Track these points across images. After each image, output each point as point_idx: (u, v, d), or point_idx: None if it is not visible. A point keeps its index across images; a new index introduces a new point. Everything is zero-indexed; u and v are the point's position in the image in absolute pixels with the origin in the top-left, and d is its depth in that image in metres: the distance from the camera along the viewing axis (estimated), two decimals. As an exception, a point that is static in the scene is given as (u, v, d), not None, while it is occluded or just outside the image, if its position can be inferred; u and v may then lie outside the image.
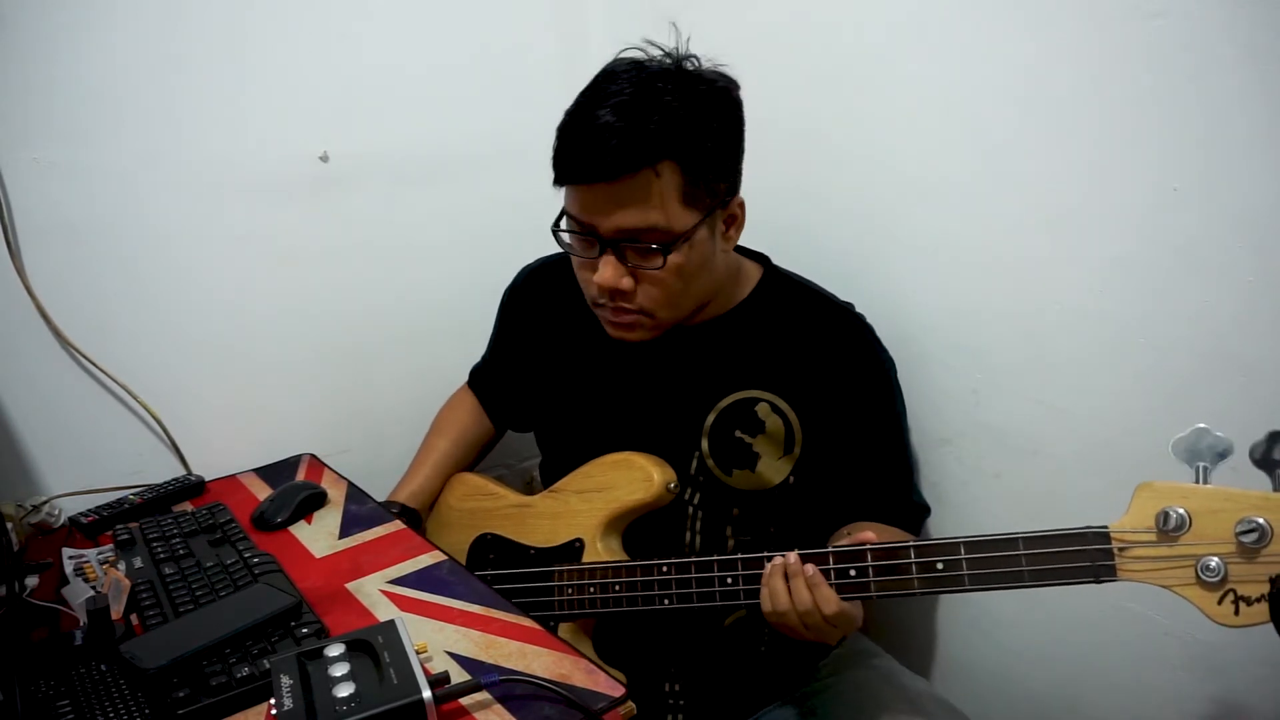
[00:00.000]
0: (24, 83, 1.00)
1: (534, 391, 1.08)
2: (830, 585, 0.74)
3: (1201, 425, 0.62)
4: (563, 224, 0.88)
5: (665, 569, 0.84)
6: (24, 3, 0.98)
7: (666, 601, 0.84)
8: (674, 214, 0.81)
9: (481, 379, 1.19)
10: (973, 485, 1.03)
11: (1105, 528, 0.65)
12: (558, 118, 0.84)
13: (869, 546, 0.74)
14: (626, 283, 0.84)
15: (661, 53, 0.85)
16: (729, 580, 0.81)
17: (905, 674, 0.99)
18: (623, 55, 0.86)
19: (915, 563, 0.71)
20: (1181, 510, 0.62)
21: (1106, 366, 0.87)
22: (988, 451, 1.00)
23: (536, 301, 1.07)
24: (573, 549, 0.93)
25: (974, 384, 1.00)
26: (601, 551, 0.91)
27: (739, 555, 0.80)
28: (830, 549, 0.76)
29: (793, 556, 0.76)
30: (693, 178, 0.81)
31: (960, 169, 0.96)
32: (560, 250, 1.08)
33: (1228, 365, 0.78)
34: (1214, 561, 0.60)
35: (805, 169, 1.13)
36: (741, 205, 0.89)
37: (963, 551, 0.69)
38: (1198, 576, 0.61)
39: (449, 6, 1.27)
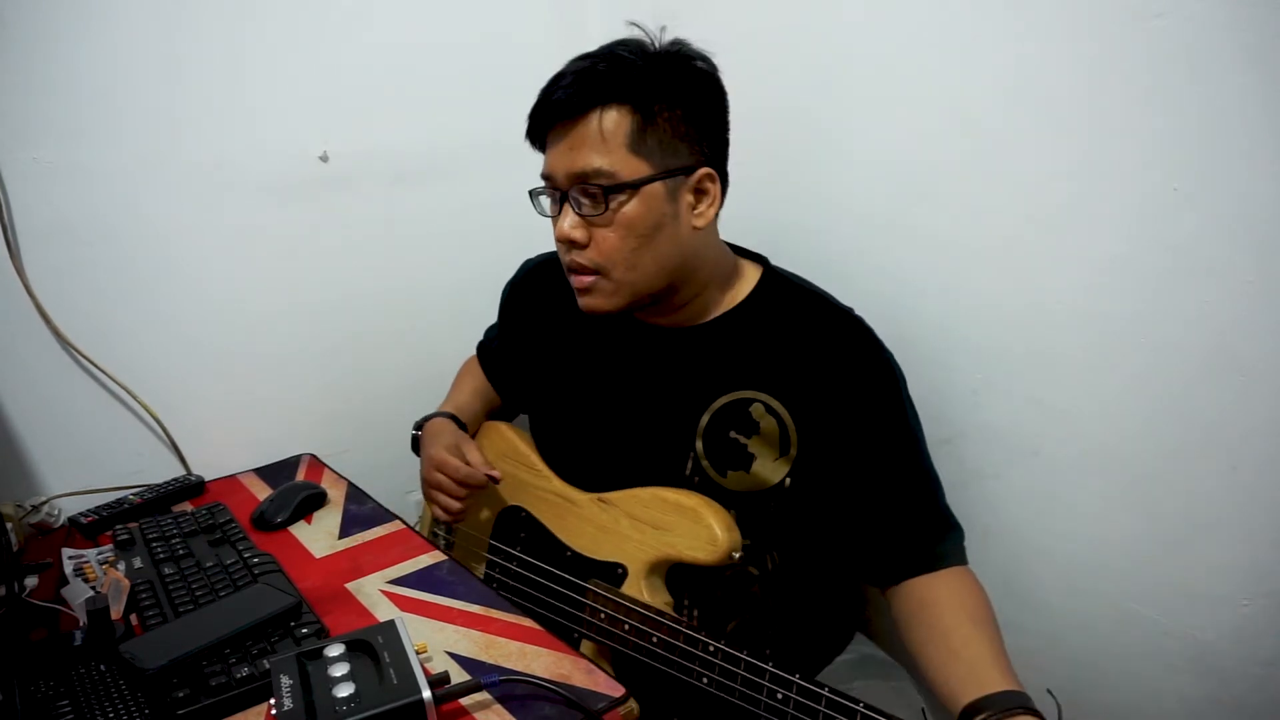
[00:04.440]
0: (24, 83, 1.00)
1: (531, 383, 1.09)
2: None
3: None
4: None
5: (712, 650, 0.79)
6: (24, 3, 0.98)
7: (705, 681, 0.80)
8: (620, 160, 0.83)
9: (486, 355, 1.21)
10: (972, 485, 1.02)
11: None
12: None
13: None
14: (579, 233, 0.86)
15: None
16: (779, 696, 0.74)
17: (916, 687, 0.97)
18: None
19: None
20: None
21: (1106, 367, 0.87)
22: (988, 451, 1.00)
23: (534, 296, 1.08)
24: (614, 573, 0.90)
25: (974, 384, 1.00)
26: (644, 591, 0.87)
27: (796, 678, 0.73)
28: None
29: None
30: (642, 125, 0.83)
31: (960, 168, 0.96)
32: None
33: (1228, 365, 0.78)
34: None
35: (805, 168, 1.13)
36: (713, 178, 0.88)
37: None
38: None
39: (448, 6, 1.28)
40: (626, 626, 0.86)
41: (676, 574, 0.91)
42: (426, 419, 1.10)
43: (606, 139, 0.83)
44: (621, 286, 0.89)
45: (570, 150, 0.84)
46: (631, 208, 0.84)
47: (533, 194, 0.91)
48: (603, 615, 0.88)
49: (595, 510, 0.95)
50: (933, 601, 0.85)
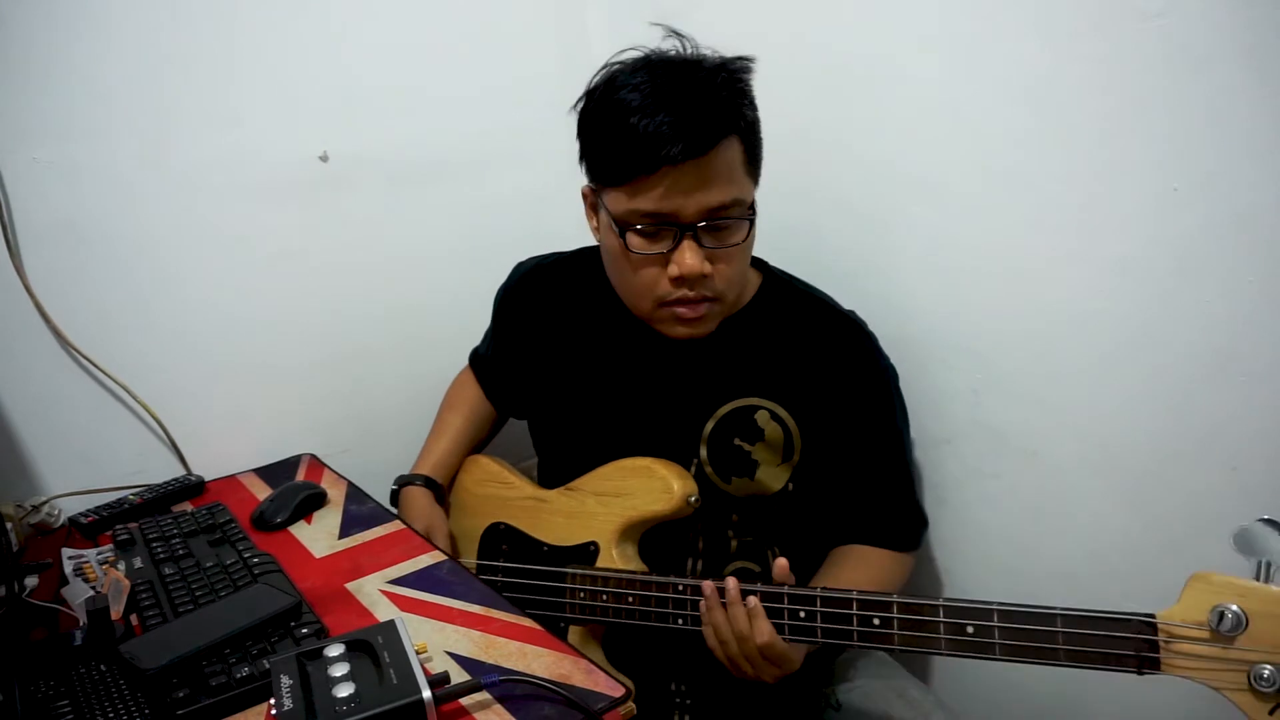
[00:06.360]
0: (24, 82, 1.00)
1: (530, 389, 1.08)
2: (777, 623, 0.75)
3: (1267, 517, 0.57)
4: (619, 225, 0.85)
5: (681, 589, 0.82)
6: (24, 2, 0.98)
7: (681, 621, 0.82)
8: (746, 186, 0.83)
9: (480, 365, 1.19)
10: (972, 485, 1.03)
11: (1153, 616, 0.61)
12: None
13: (820, 592, 0.74)
14: (709, 267, 0.83)
15: (669, 46, 0.86)
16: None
17: (916, 687, 0.97)
18: (626, 53, 0.86)
19: (944, 622, 0.68)
20: (1238, 609, 0.57)
21: (1107, 367, 0.87)
22: (988, 451, 1.00)
23: (531, 302, 1.07)
24: (587, 551, 0.92)
25: (974, 384, 1.00)
26: (616, 558, 0.89)
27: (759, 586, 0.78)
28: (785, 589, 0.75)
29: (731, 583, 0.76)
30: (750, 148, 0.83)
31: (960, 169, 0.96)
32: (553, 251, 1.07)
33: (1228, 366, 0.78)
34: (1268, 670, 0.56)
35: (806, 169, 1.13)
36: None
37: (996, 619, 0.66)
38: (1249, 683, 0.57)
39: (449, 7, 1.28)
40: (604, 597, 0.88)
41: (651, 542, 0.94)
42: (403, 482, 1.09)
43: (736, 168, 0.82)
44: (727, 307, 0.90)
45: (703, 185, 0.80)
46: (753, 229, 0.85)
47: (624, 233, 0.84)
48: (582, 594, 0.90)
49: (564, 500, 0.97)
50: (857, 557, 0.91)
